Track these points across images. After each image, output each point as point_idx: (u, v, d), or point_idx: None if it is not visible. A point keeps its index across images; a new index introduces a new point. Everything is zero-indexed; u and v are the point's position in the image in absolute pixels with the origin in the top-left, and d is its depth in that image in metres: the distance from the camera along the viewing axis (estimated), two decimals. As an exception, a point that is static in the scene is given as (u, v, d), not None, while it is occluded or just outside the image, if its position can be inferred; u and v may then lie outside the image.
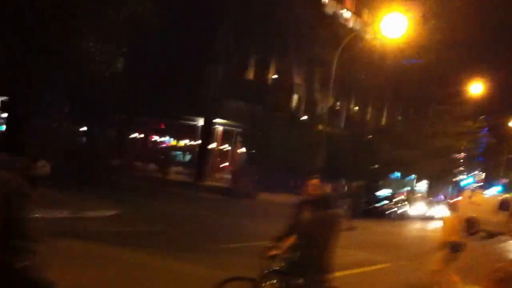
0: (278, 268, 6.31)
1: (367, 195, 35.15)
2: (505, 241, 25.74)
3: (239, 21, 31.12)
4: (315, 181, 6.87)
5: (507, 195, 28.99)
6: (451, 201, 31.90)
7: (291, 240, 6.22)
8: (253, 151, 31.92)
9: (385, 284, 11.32)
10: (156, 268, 9.26)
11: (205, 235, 13.50)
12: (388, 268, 13.14)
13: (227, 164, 35.12)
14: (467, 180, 51.88)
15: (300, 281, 6.21)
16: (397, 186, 49.40)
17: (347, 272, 11.46)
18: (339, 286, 9.91)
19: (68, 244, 9.82)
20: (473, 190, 33.71)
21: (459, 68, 42.97)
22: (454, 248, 10.83)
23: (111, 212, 14.85)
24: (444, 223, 11.63)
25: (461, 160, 51.08)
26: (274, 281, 6.32)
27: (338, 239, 6.19)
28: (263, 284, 6.30)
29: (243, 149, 34.03)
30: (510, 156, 55.14)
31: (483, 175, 58.38)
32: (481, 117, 47.93)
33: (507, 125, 52.77)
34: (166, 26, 26.72)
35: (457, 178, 51.02)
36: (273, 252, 6.30)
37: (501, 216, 26.40)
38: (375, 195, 35.53)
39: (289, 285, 6.30)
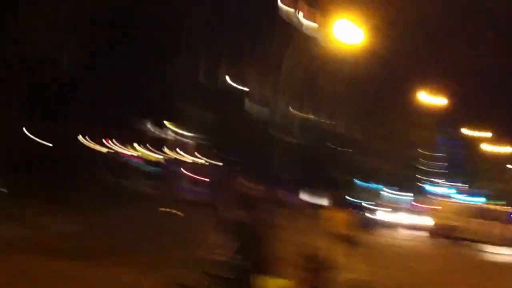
0: (221, 274, 6.29)
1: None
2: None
3: (193, 26, 30.99)
4: (240, 179, 7.10)
5: (483, 205, 29.31)
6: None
7: (231, 243, 6.19)
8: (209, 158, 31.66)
9: None
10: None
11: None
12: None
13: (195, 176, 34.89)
14: (449, 190, 52.39)
15: (245, 283, 6.20)
16: (365, 194, 49.80)
17: None
18: None
19: (25, 259, 9.77)
20: (448, 199, 33.90)
21: (417, 77, 43.44)
22: (349, 241, 11.46)
23: (74, 228, 14.63)
24: (334, 217, 11.77)
25: (430, 169, 51.69)
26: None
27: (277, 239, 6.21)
28: None
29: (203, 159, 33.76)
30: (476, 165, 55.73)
31: (465, 185, 59.00)
32: (449, 129, 48.62)
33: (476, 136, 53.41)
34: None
35: (427, 186, 51.50)
36: (215, 257, 6.29)
37: (477, 224, 26.55)
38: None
39: None
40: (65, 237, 13.32)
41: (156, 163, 34.26)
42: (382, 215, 36.77)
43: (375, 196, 48.28)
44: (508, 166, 60.18)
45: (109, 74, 28.01)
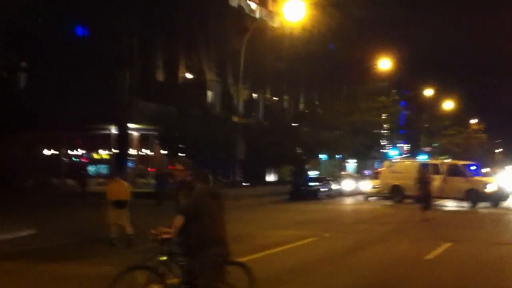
0: (171, 250, 6.51)
1: (296, 179, 36.37)
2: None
3: (145, 22, 30.74)
4: (179, 167, 7.37)
5: (426, 161, 29.74)
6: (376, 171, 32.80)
7: (178, 222, 6.28)
8: (171, 152, 31.61)
9: (308, 255, 11.84)
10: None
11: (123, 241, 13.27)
12: (313, 242, 13.78)
13: (150, 169, 34.82)
14: (392, 152, 53.31)
15: (194, 259, 6.33)
16: (325, 167, 50.63)
17: (273, 250, 12.33)
18: (269, 262, 10.76)
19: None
20: (393, 160, 34.52)
21: (367, 47, 44.18)
22: (118, 205, 13.41)
23: (26, 232, 14.64)
24: (112, 186, 13.82)
25: (384, 134, 52.64)
26: (170, 264, 6.49)
27: (223, 213, 6.36)
28: (159, 270, 6.43)
29: (163, 152, 33.78)
30: (426, 125, 57.31)
31: (407, 147, 60.40)
32: (393, 91, 49.57)
33: (421, 96, 54.84)
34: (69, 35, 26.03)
35: (383, 152, 52.48)
36: (165, 235, 6.38)
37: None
38: (304, 178, 36.58)
39: (184, 266, 6.46)
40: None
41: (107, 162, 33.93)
42: (345, 185, 37.49)
43: (337, 168, 49.23)
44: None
45: (62, 83, 27.81)
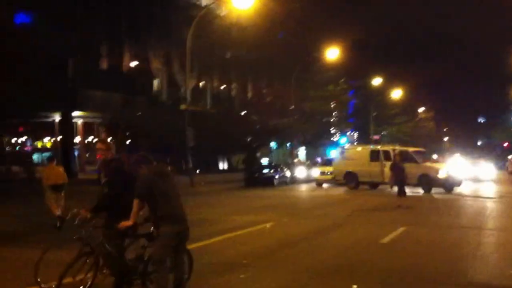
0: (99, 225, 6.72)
1: (250, 167, 36.94)
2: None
3: (88, 10, 30.43)
4: (101, 146, 7.48)
5: (377, 146, 30.09)
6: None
7: (135, 206, 6.27)
8: (118, 139, 31.60)
9: (267, 239, 12.04)
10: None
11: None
12: (271, 226, 13.96)
13: (98, 156, 34.67)
14: (342, 140, 54.17)
15: (141, 240, 6.61)
16: (277, 155, 51.23)
17: (233, 234, 12.44)
18: (229, 246, 10.94)
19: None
20: (346, 147, 34.97)
21: (316, 36, 44.69)
22: (55, 188, 13.94)
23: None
24: (48, 171, 14.23)
25: (334, 123, 53.48)
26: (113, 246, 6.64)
27: (176, 191, 6.45)
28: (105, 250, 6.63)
29: (110, 139, 33.70)
30: (374, 114, 58.23)
31: (355, 134, 61.41)
32: (341, 80, 50.32)
33: (369, 85, 55.78)
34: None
35: (333, 140, 53.28)
36: (126, 223, 6.38)
37: (374, 166, 27.33)
38: (258, 165, 37.10)
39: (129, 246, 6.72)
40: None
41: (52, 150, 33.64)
42: (298, 172, 37.89)
43: (288, 156, 49.81)
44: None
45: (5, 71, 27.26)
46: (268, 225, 14.07)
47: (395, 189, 18.73)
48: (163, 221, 6.06)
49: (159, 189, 6.07)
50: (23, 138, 34.95)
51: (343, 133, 55.81)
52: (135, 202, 6.10)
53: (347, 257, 9.74)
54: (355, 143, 53.28)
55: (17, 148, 35.19)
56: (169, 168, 6.62)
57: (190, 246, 10.54)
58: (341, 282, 7.89)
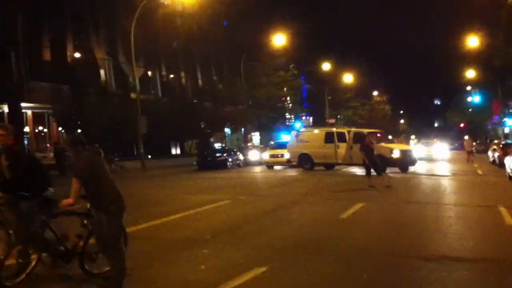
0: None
1: (203, 151, 37.22)
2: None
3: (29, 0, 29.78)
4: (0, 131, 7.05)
5: (332, 129, 30.19)
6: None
7: (76, 185, 6.04)
8: (68, 129, 30.94)
9: (226, 216, 12.02)
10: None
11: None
12: (228, 204, 13.99)
13: (49, 145, 34.06)
14: (297, 124, 54.43)
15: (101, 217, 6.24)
16: (231, 140, 51.24)
17: (191, 211, 12.46)
18: (188, 223, 10.89)
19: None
20: (300, 130, 34.94)
21: (264, 23, 44.71)
22: None
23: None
24: None
25: (288, 107, 53.68)
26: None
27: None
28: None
29: (60, 129, 33.07)
30: (329, 98, 58.66)
31: (311, 119, 61.73)
32: (291, 66, 50.52)
33: (320, 70, 56.11)
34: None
35: (287, 124, 53.53)
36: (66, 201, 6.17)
37: (329, 148, 27.55)
38: (211, 150, 37.29)
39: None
40: None
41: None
42: (251, 155, 37.98)
43: (242, 140, 49.81)
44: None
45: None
46: (225, 203, 14.04)
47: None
48: (112, 202, 6.03)
49: (102, 169, 6.08)
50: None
51: (298, 118, 56.12)
52: (75, 181, 5.97)
53: (307, 232, 9.74)
54: (311, 127, 53.66)
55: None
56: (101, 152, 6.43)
57: (149, 224, 10.62)
58: (304, 256, 7.83)
